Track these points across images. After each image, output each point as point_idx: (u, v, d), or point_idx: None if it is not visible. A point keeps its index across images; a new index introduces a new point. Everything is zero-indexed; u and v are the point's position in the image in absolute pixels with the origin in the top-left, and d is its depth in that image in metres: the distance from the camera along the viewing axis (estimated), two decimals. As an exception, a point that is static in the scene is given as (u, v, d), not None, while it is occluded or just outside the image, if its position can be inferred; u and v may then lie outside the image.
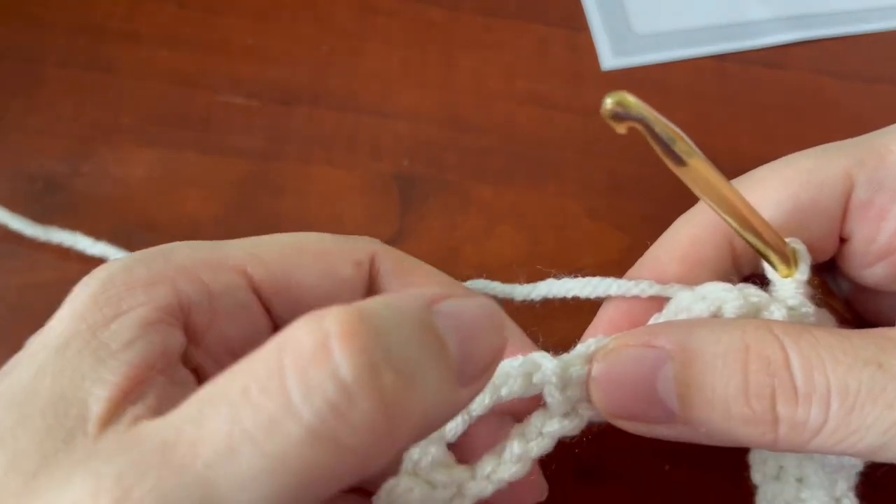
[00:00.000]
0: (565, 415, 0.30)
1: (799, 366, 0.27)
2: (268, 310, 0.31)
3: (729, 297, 0.31)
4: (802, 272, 0.31)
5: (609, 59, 0.53)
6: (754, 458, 0.33)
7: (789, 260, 0.31)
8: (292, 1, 0.54)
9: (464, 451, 0.31)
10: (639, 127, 0.26)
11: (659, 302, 0.33)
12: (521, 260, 0.45)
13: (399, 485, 0.28)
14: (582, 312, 0.36)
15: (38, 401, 0.24)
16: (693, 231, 0.34)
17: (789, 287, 0.31)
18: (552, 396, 0.30)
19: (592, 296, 0.34)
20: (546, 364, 0.30)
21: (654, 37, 0.54)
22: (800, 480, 0.31)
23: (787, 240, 0.31)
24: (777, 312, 0.30)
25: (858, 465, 0.32)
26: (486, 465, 0.30)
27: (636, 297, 0.33)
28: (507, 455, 0.30)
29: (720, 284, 0.31)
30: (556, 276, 0.35)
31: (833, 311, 0.35)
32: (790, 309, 0.31)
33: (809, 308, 0.31)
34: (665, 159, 0.27)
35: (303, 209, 0.46)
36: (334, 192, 0.47)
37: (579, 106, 0.51)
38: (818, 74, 0.53)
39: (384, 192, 0.47)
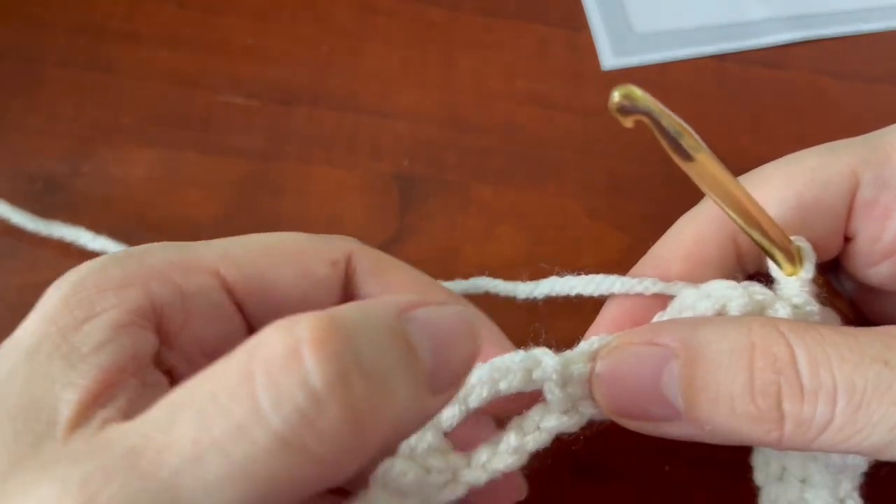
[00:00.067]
0: (565, 411, 0.30)
1: (805, 363, 0.26)
2: (242, 310, 0.31)
3: (734, 294, 0.31)
4: (807, 270, 0.31)
5: (609, 58, 0.53)
6: (757, 459, 0.32)
7: (794, 258, 0.31)
8: (292, 1, 0.54)
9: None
10: (646, 120, 0.26)
11: (662, 300, 0.33)
12: (521, 260, 0.45)
13: (394, 467, 0.28)
14: (585, 310, 0.36)
15: (8, 405, 0.24)
16: (697, 229, 0.34)
17: (794, 285, 0.31)
18: (552, 393, 0.30)
19: (596, 293, 0.34)
20: (547, 360, 0.30)
21: (655, 36, 0.54)
22: (803, 481, 0.31)
23: (792, 238, 0.31)
24: (782, 310, 0.30)
25: (862, 465, 0.31)
26: (482, 454, 0.29)
27: (639, 296, 0.33)
28: (502, 446, 0.30)
29: (725, 282, 0.31)
30: (560, 273, 0.35)
31: (837, 310, 0.35)
32: (795, 307, 0.30)
33: (814, 306, 0.31)
34: (672, 154, 0.27)
35: (303, 209, 0.46)
36: (334, 192, 0.47)
37: (579, 106, 0.51)
38: (818, 74, 0.53)
39: (384, 192, 0.47)
